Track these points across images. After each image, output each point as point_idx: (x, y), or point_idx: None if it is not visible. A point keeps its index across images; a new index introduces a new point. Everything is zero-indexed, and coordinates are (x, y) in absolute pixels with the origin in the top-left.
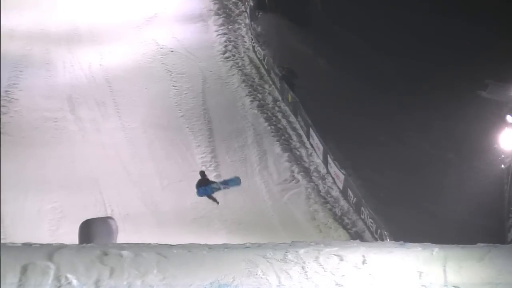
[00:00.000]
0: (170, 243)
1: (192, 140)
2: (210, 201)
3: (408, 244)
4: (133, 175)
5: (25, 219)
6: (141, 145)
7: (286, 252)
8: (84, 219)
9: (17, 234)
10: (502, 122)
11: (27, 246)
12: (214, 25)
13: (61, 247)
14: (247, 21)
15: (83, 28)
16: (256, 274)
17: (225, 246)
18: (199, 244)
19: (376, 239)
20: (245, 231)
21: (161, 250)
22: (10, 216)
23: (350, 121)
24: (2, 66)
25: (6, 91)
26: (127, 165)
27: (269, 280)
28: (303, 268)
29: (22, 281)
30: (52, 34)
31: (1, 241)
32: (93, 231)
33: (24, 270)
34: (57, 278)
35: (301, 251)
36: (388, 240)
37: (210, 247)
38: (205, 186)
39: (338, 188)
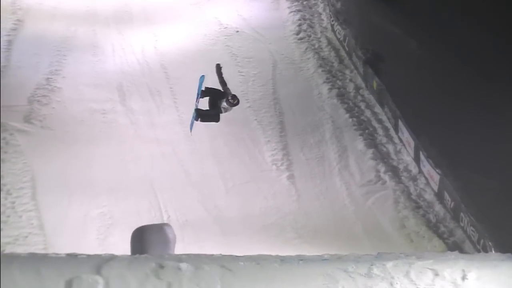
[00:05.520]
0: (236, 254)
1: (261, 135)
2: (282, 205)
3: None
4: (192, 176)
5: (70, 227)
6: (202, 141)
7: (371, 265)
8: (137, 227)
9: (60, 244)
10: None
11: (72, 257)
12: (287, 0)
13: (110, 258)
14: None
15: (135, 6)
16: None
17: (300, 258)
18: (270, 255)
19: (478, 251)
20: (323, 241)
21: (226, 263)
22: (52, 223)
23: (446, 113)
24: (43, 49)
25: (48, 78)
26: (185, 164)
27: None
28: (391, 284)
29: None
30: (99, 13)
31: (43, 252)
32: (147, 240)
33: (68, 285)
34: None
35: (389, 264)
36: (493, 251)
37: (283, 259)
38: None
39: (433, 190)
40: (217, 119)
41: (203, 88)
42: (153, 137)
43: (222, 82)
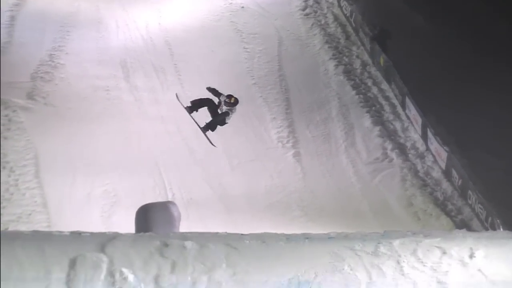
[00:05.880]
0: (241, 233)
1: (266, 112)
2: (288, 183)
3: None
4: (197, 154)
5: (73, 204)
6: (207, 118)
7: (378, 243)
8: (141, 205)
9: (64, 222)
10: None
11: (76, 235)
12: None
13: (114, 236)
14: None
15: None
16: (343, 269)
17: (306, 236)
18: (275, 233)
19: (486, 229)
20: (329, 219)
21: (231, 241)
22: (56, 201)
23: (454, 89)
24: (46, 25)
25: (51, 54)
26: (190, 142)
27: (358, 276)
28: (398, 262)
29: (71, 275)
30: None
31: (47, 230)
32: (151, 218)
33: (72, 263)
34: (111, 272)
35: (396, 242)
36: (501, 229)
37: (288, 238)
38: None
39: (440, 168)
40: (223, 123)
41: (189, 104)
42: (157, 115)
43: (216, 93)
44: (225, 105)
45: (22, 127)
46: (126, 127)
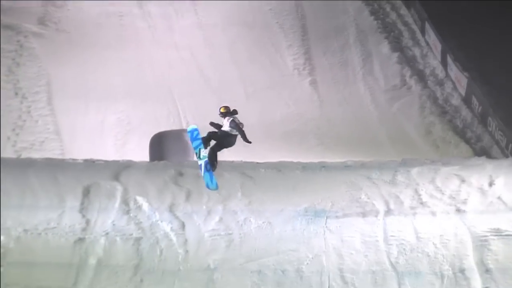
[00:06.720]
0: (257, 161)
1: (282, 39)
2: (305, 111)
3: None
4: (212, 82)
5: (87, 132)
6: (222, 45)
7: (396, 172)
8: (156, 133)
9: (77, 150)
10: None
11: (90, 163)
12: None
13: (129, 165)
14: None
15: None
16: (360, 198)
17: (322, 165)
18: (291, 162)
19: (506, 156)
20: (346, 148)
21: (247, 170)
22: (69, 129)
23: (475, 14)
24: None
25: None
26: (205, 69)
27: (375, 205)
28: (416, 191)
29: (85, 204)
30: None
31: (60, 158)
32: (166, 146)
33: (86, 191)
34: (125, 201)
35: (414, 170)
36: None
37: (305, 166)
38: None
39: (460, 95)
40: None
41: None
42: (171, 42)
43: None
44: (221, 115)
45: (34, 53)
46: (139, 54)
